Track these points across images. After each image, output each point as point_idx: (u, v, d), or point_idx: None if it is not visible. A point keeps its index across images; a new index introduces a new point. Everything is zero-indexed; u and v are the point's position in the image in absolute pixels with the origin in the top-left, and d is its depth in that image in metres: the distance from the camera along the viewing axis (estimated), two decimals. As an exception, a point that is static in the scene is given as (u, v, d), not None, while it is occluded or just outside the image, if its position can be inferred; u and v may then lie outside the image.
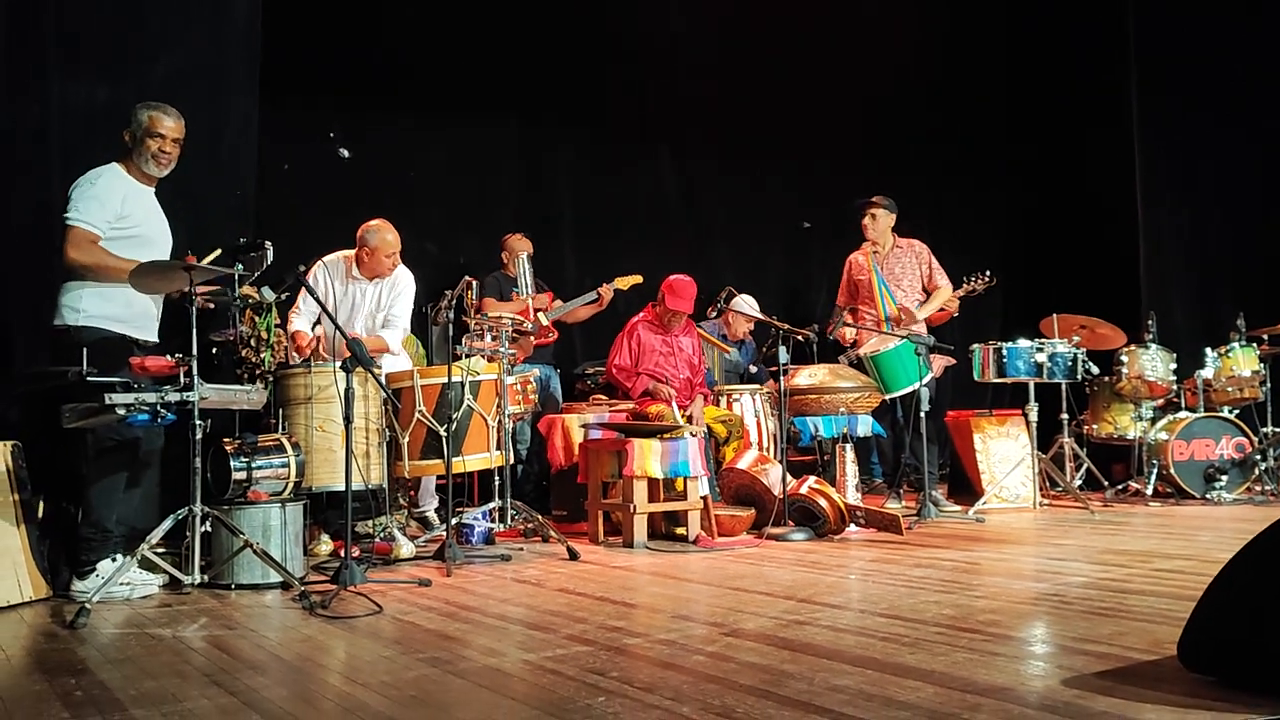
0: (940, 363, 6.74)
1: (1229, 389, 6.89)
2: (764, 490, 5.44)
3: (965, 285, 7.09)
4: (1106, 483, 7.10)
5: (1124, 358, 6.94)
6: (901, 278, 6.70)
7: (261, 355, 4.91)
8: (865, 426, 6.54)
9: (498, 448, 5.00)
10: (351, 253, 5.40)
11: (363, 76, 7.03)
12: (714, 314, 6.33)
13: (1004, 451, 6.60)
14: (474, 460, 4.98)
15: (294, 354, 5.22)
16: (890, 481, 6.92)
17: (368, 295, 5.39)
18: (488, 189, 7.66)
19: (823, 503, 5.24)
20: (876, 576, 4.02)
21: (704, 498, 5.25)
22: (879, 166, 8.40)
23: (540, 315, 6.51)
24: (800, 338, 6.15)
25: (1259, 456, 6.68)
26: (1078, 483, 6.94)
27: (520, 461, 6.46)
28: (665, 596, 3.79)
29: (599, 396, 6.66)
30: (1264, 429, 6.83)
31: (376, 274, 5.35)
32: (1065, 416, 6.74)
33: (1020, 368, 6.30)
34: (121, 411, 3.66)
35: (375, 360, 4.99)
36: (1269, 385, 6.90)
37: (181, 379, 3.80)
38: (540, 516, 5.17)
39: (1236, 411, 6.94)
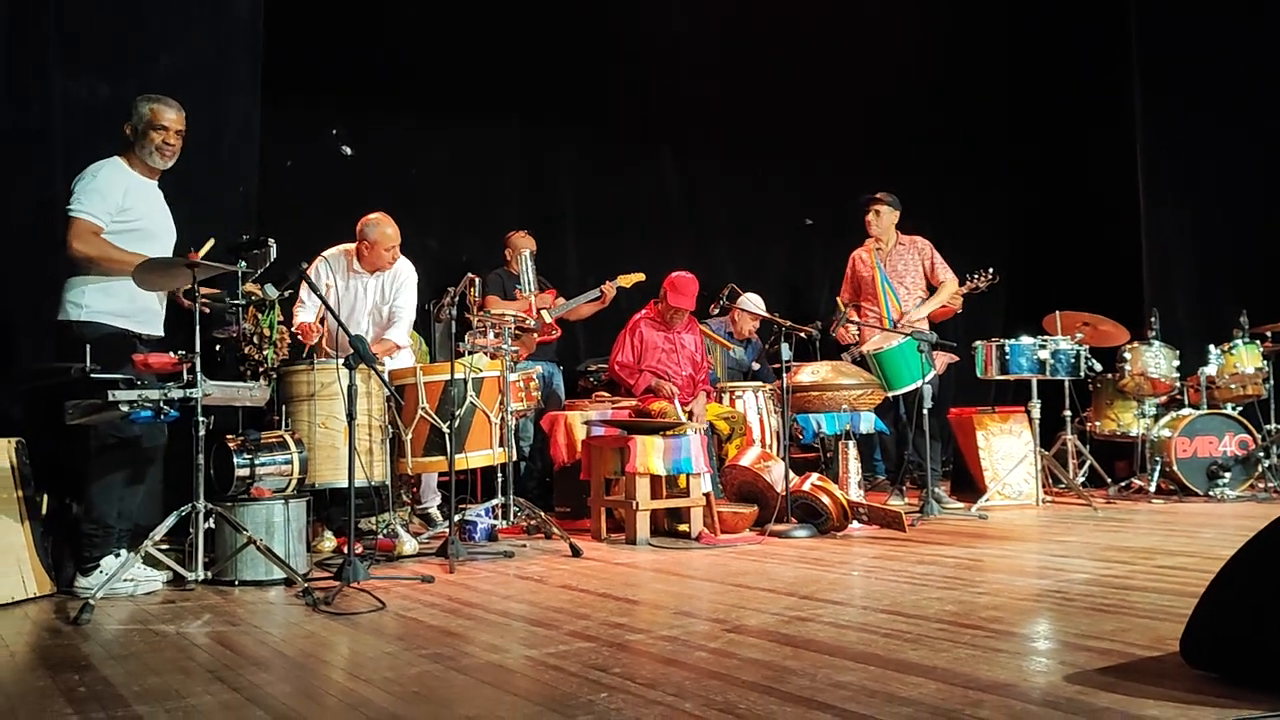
0: (943, 360, 6.73)
1: (1232, 386, 6.88)
2: (766, 487, 5.44)
3: (968, 282, 7.09)
4: (1109, 480, 7.10)
5: (1127, 354, 6.94)
6: (904, 274, 6.70)
7: (264, 352, 4.92)
8: (868, 423, 6.54)
9: (500, 445, 5.00)
10: (352, 246, 5.41)
11: (365, 75, 7.03)
12: (716, 311, 6.32)
13: (1007, 448, 6.59)
14: (477, 457, 4.99)
15: (304, 342, 5.22)
16: (893, 478, 6.92)
17: (369, 288, 5.40)
18: (490, 188, 7.66)
19: (825, 500, 5.24)
20: (879, 573, 4.02)
21: (706, 495, 5.25)
22: (881, 164, 8.40)
23: (544, 313, 6.51)
24: (803, 335, 6.15)
25: (1262, 454, 6.68)
26: (1080, 480, 6.94)
27: (523, 458, 6.47)
28: (668, 593, 3.79)
29: (601, 394, 6.66)
30: (1267, 426, 6.82)
31: (377, 267, 5.36)
32: (1068, 413, 6.73)
33: (1023, 365, 6.29)
34: (125, 408, 3.67)
35: (378, 357, 4.99)
36: (1272, 382, 6.88)
37: (184, 376, 3.81)
38: (543, 513, 5.18)
39: (1239, 408, 6.93)
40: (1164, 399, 7.12)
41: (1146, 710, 2.13)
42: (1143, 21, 8.45)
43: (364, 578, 3.88)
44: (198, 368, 3.80)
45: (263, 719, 2.26)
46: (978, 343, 6.50)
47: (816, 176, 8.58)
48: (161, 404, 3.72)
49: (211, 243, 4.38)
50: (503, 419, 5.00)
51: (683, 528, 5.28)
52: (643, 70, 8.20)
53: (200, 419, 3.83)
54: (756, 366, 7.57)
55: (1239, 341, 6.91)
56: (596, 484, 5.36)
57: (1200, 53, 8.21)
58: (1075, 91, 8.99)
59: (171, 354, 3.85)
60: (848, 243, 7.08)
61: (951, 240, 7.51)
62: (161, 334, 4.25)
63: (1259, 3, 8.12)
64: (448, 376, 4.81)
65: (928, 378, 5.98)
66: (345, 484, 4.13)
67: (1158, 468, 6.79)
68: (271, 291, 4.32)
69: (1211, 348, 6.98)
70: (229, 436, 4.29)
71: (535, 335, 6.37)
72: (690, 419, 5.89)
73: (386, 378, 4.72)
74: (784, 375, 5.63)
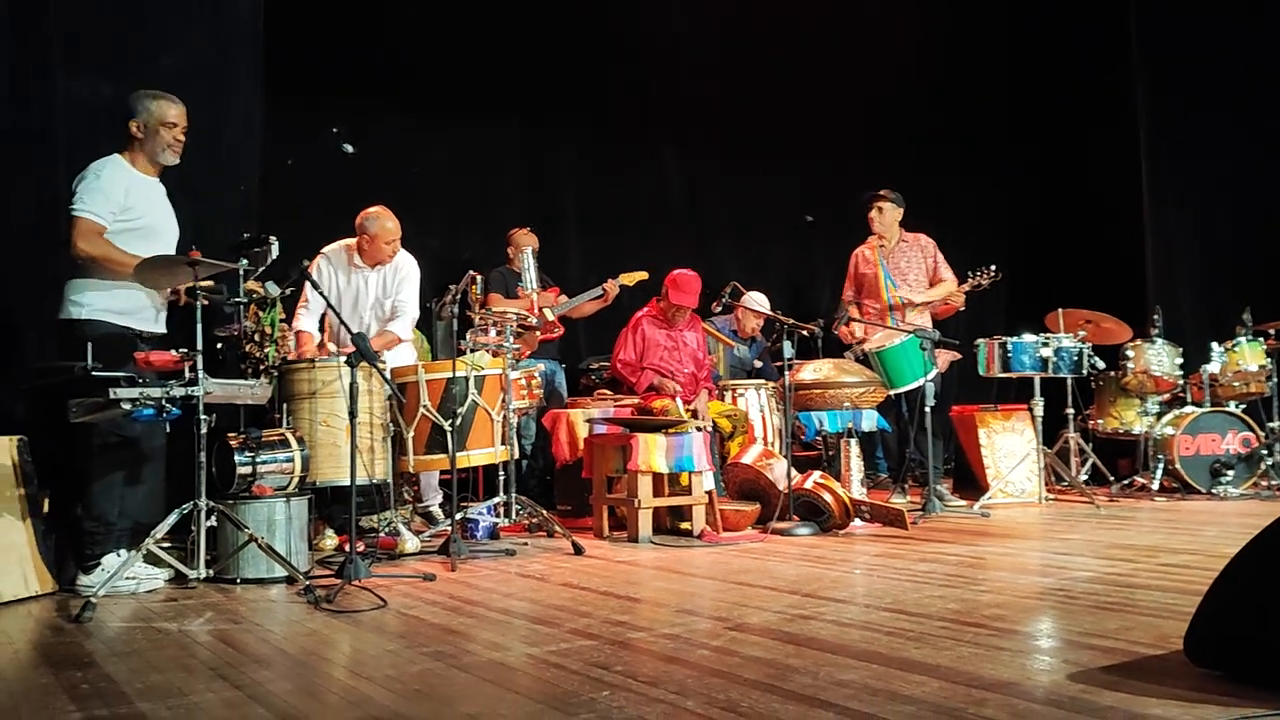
0: (945, 357, 6.73)
1: (1235, 384, 6.87)
2: (769, 485, 5.44)
3: (970, 280, 7.07)
4: (1112, 478, 7.09)
5: (1130, 352, 6.93)
6: (907, 272, 6.69)
7: (266, 350, 4.93)
8: (870, 421, 6.53)
9: (502, 443, 5.00)
10: (352, 241, 5.40)
11: (366, 74, 7.03)
12: (719, 309, 6.32)
13: (1009, 446, 6.59)
14: (478, 455, 4.98)
15: (299, 352, 5.23)
16: (895, 476, 6.91)
17: (371, 283, 5.40)
18: (491, 186, 7.66)
19: (828, 498, 5.24)
20: (881, 571, 4.02)
21: (709, 492, 5.25)
22: (883, 162, 8.38)
23: (546, 311, 6.51)
24: (805, 332, 6.14)
25: (1265, 451, 6.66)
26: (1083, 478, 6.94)
27: (525, 456, 6.47)
28: (669, 591, 3.79)
29: (603, 391, 6.66)
30: (1270, 423, 6.81)
31: (377, 261, 5.36)
32: (1071, 411, 6.72)
33: (1025, 362, 6.29)
34: (127, 406, 3.67)
35: (380, 355, 4.99)
36: (1275, 380, 6.87)
37: (186, 374, 3.81)
38: (545, 511, 5.18)
39: (1243, 406, 6.92)
40: (1167, 397, 7.11)
41: (1150, 709, 2.12)
42: (1143, 19, 8.44)
43: (365, 576, 3.88)
44: (199, 366, 3.81)
45: (264, 717, 2.26)
46: (980, 340, 6.49)
47: (818, 174, 8.57)
48: (163, 402, 3.72)
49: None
50: (504, 417, 5.00)
51: (685, 526, 5.28)
52: (644, 68, 8.20)
53: (202, 417, 3.83)
54: (759, 364, 7.57)
55: (1242, 339, 6.89)
56: (598, 482, 5.36)
57: (1201, 50, 8.20)
58: (1077, 89, 8.98)
59: (173, 352, 3.85)
60: (849, 240, 7.07)
61: (954, 238, 7.50)
62: (164, 330, 4.25)
63: (1259, 1, 8.10)
64: (449, 374, 4.80)
65: (930, 375, 5.97)
66: (347, 482, 4.12)
67: (1160, 466, 6.78)
68: (273, 289, 4.32)
69: (1214, 345, 6.96)
70: (230, 434, 4.28)
71: (537, 333, 6.36)
72: (693, 417, 5.88)
73: (388, 375, 4.72)
74: (786, 373, 5.62)
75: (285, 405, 4.72)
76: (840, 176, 8.31)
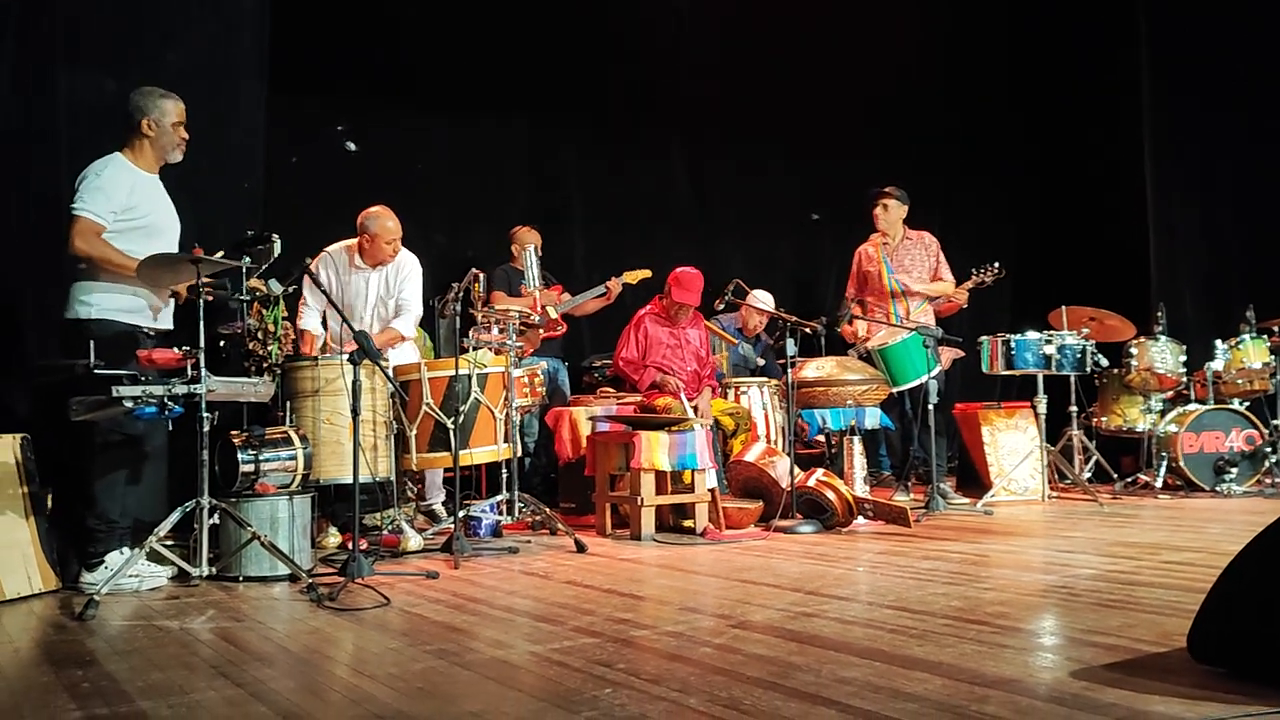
0: (949, 355, 6.72)
1: (1239, 381, 6.86)
2: (772, 483, 5.43)
3: (974, 277, 7.06)
4: (1115, 475, 7.08)
5: (1133, 350, 6.92)
6: (911, 269, 6.69)
7: (269, 348, 4.93)
8: (873, 419, 6.53)
9: (505, 440, 5.00)
10: (354, 242, 5.41)
11: (370, 72, 7.04)
12: (722, 307, 6.32)
13: (1012, 444, 6.58)
14: (481, 453, 4.98)
15: (303, 349, 5.23)
16: (898, 474, 6.91)
17: (372, 283, 5.40)
18: (495, 184, 7.66)
19: (830, 495, 5.23)
20: (884, 569, 4.02)
21: (711, 490, 5.25)
22: (887, 159, 8.38)
23: (549, 309, 6.51)
24: (808, 330, 6.14)
25: (1269, 449, 6.65)
26: (1086, 475, 6.93)
27: (528, 454, 6.47)
28: (672, 589, 3.79)
29: (606, 389, 6.66)
30: (1274, 421, 6.79)
31: (379, 261, 5.36)
32: (1074, 409, 6.71)
33: (1029, 360, 6.28)
34: (129, 404, 3.67)
35: (383, 353, 4.99)
36: (1279, 377, 6.86)
37: (189, 371, 3.81)
38: (547, 509, 5.18)
39: (1246, 404, 6.91)
40: (1170, 394, 7.10)
41: (1153, 706, 2.12)
42: (1151, 17, 8.42)
43: (368, 573, 3.88)
44: (202, 363, 3.81)
45: (267, 715, 2.26)
46: (983, 338, 6.48)
47: (823, 173, 8.56)
48: (166, 400, 3.72)
49: (221, 254, 4.38)
50: (507, 415, 5.00)
51: (688, 523, 5.27)
52: (648, 66, 8.19)
53: (205, 415, 3.83)
54: (762, 362, 7.57)
55: (1246, 336, 6.88)
56: (601, 480, 5.36)
57: (1208, 48, 8.18)
58: (1080, 87, 8.97)
59: (176, 350, 3.85)
60: (853, 238, 7.06)
61: (958, 235, 7.50)
62: (170, 327, 4.26)
63: (1265, -1, 8.10)
64: (452, 372, 4.80)
65: (933, 373, 5.97)
66: (350, 480, 4.12)
67: (1164, 463, 6.77)
68: (276, 287, 4.32)
69: (1218, 343, 6.95)
70: (233, 432, 4.29)
71: (540, 331, 6.36)
72: (695, 414, 5.88)
73: (391, 373, 4.72)
74: (789, 371, 5.62)
75: (288, 403, 4.73)
76: (846, 173, 8.30)
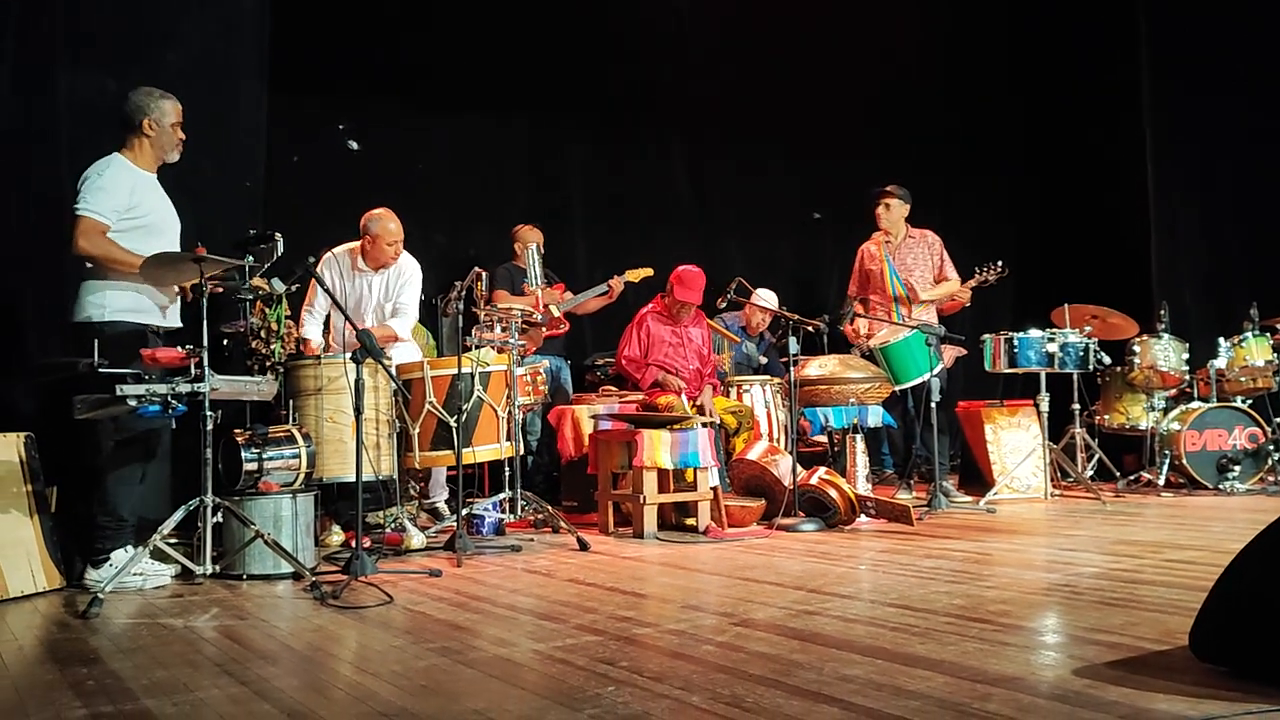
0: (951, 353, 6.72)
1: (1242, 379, 6.85)
2: (774, 481, 5.44)
3: (977, 276, 7.06)
4: (1118, 473, 7.07)
5: (1136, 348, 6.91)
6: (913, 268, 6.68)
7: (271, 346, 4.94)
8: (876, 417, 6.53)
9: (508, 439, 5.00)
10: (357, 245, 5.42)
11: (370, 71, 7.04)
12: (724, 305, 6.32)
13: (1015, 442, 6.58)
14: (484, 451, 4.99)
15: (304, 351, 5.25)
16: (901, 472, 6.90)
17: (374, 285, 5.41)
18: (497, 183, 7.66)
19: (833, 493, 5.23)
20: (887, 567, 4.02)
21: (714, 488, 5.25)
22: (889, 157, 8.38)
23: (552, 307, 6.51)
24: (811, 328, 6.14)
25: (1272, 447, 6.64)
26: (1089, 473, 6.92)
27: (530, 453, 6.48)
28: (675, 587, 3.79)
29: (609, 388, 6.66)
30: (1277, 419, 6.79)
31: (380, 263, 5.37)
32: (1077, 407, 6.71)
33: (1032, 358, 6.27)
34: (133, 403, 3.68)
35: (385, 351, 5.00)
36: (1282, 375, 6.86)
37: (192, 370, 3.82)
38: (550, 507, 5.18)
39: (1249, 401, 6.90)
40: (1173, 392, 7.09)
41: (1155, 704, 2.12)
42: (1152, 14, 8.41)
43: (372, 571, 3.89)
44: (205, 362, 3.81)
45: (270, 712, 2.26)
46: (986, 336, 6.48)
47: (823, 172, 8.56)
48: (169, 398, 3.73)
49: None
50: (510, 413, 5.00)
51: (690, 522, 5.28)
52: (649, 66, 8.18)
53: (208, 413, 3.84)
54: (765, 360, 7.57)
55: (1249, 334, 6.87)
56: (604, 478, 5.36)
57: (1210, 45, 8.16)
58: (1082, 85, 8.96)
59: (179, 348, 3.86)
60: (856, 237, 7.06)
61: (960, 233, 7.49)
62: (179, 325, 4.26)
63: (1267, -5, 8.09)
64: (455, 371, 4.81)
65: (935, 371, 5.96)
66: (353, 478, 4.13)
67: (1167, 461, 6.76)
68: (278, 286, 4.32)
69: (1221, 340, 6.94)
70: (237, 431, 4.30)
71: (543, 329, 6.36)
72: (698, 412, 5.88)
73: (394, 371, 4.72)
74: (791, 369, 5.62)
75: (291, 401, 4.73)
76: (848, 171, 8.30)
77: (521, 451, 5.23)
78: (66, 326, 4.18)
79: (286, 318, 5.27)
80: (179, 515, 3.85)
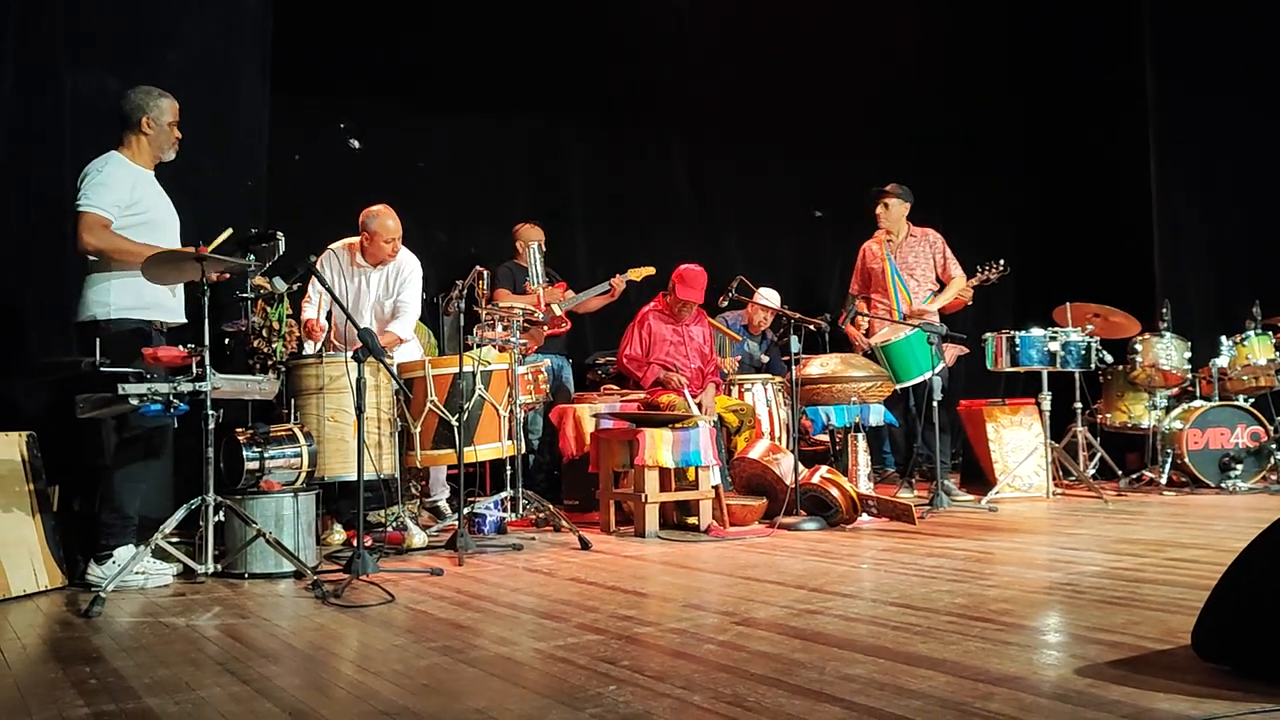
0: (953, 352, 6.71)
1: (1244, 377, 6.84)
2: (776, 480, 5.43)
3: (979, 274, 7.06)
4: (1120, 472, 7.07)
5: (1138, 346, 6.91)
6: (915, 267, 6.68)
7: (273, 345, 4.94)
8: (877, 416, 6.52)
9: (509, 437, 5.00)
10: (356, 240, 5.42)
11: (371, 71, 7.04)
12: (725, 304, 6.32)
13: (1017, 441, 6.57)
14: (485, 450, 4.99)
15: (307, 342, 5.24)
16: (903, 471, 6.90)
17: (373, 282, 5.41)
18: (498, 181, 7.66)
19: (835, 492, 5.23)
20: (888, 566, 4.02)
21: (715, 487, 5.25)
22: (891, 155, 8.38)
23: (553, 306, 6.51)
24: (812, 327, 6.14)
25: (1274, 445, 6.64)
26: (1091, 472, 6.92)
27: (532, 451, 6.48)
28: (676, 586, 3.79)
29: (610, 386, 6.66)
30: (1279, 417, 6.79)
31: (379, 260, 5.36)
32: (1079, 405, 6.71)
33: (1033, 356, 6.27)
34: (134, 402, 3.68)
35: (386, 351, 4.99)
36: (1284, 374, 6.85)
37: (194, 369, 3.82)
38: (552, 506, 5.18)
39: (1252, 400, 6.89)
40: (1175, 391, 7.09)
41: (1157, 703, 2.12)
42: (1155, 11, 8.40)
43: (373, 570, 3.89)
44: (207, 361, 3.82)
45: (272, 711, 2.26)
46: (988, 334, 6.48)
47: (823, 172, 8.57)
48: (171, 397, 3.73)
49: (229, 232, 4.37)
50: (511, 412, 5.00)
51: (691, 520, 5.28)
52: (650, 65, 8.18)
53: (209, 412, 3.84)
54: (767, 359, 7.57)
55: (1251, 333, 6.86)
56: (605, 476, 5.36)
57: (1213, 42, 8.16)
58: (1083, 84, 8.95)
59: (181, 347, 3.86)
60: (856, 236, 7.06)
61: (962, 232, 7.49)
62: (184, 320, 4.26)
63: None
64: (456, 369, 4.81)
65: (937, 370, 5.96)
66: (354, 477, 4.13)
67: (1169, 460, 6.75)
68: (280, 284, 4.32)
69: (1223, 339, 6.94)
70: (238, 430, 4.30)
71: (544, 328, 6.36)
72: (700, 411, 5.88)
73: (395, 370, 4.72)
74: (793, 367, 5.61)
75: (293, 400, 4.74)
76: (849, 169, 8.30)
77: (523, 450, 5.23)
78: (69, 326, 4.18)
79: (288, 316, 5.26)
80: (181, 514, 3.86)
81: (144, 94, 4.19)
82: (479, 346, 4.97)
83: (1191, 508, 5.79)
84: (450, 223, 7.30)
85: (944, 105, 9.10)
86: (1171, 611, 2.95)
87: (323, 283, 4.65)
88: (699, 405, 5.99)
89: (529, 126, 7.85)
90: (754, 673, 2.44)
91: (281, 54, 5.71)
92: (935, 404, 5.86)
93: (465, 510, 4.77)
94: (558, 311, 6.57)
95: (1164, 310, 7.02)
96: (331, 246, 5.46)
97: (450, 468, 5.35)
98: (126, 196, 4.06)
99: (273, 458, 4.26)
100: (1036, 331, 6.32)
